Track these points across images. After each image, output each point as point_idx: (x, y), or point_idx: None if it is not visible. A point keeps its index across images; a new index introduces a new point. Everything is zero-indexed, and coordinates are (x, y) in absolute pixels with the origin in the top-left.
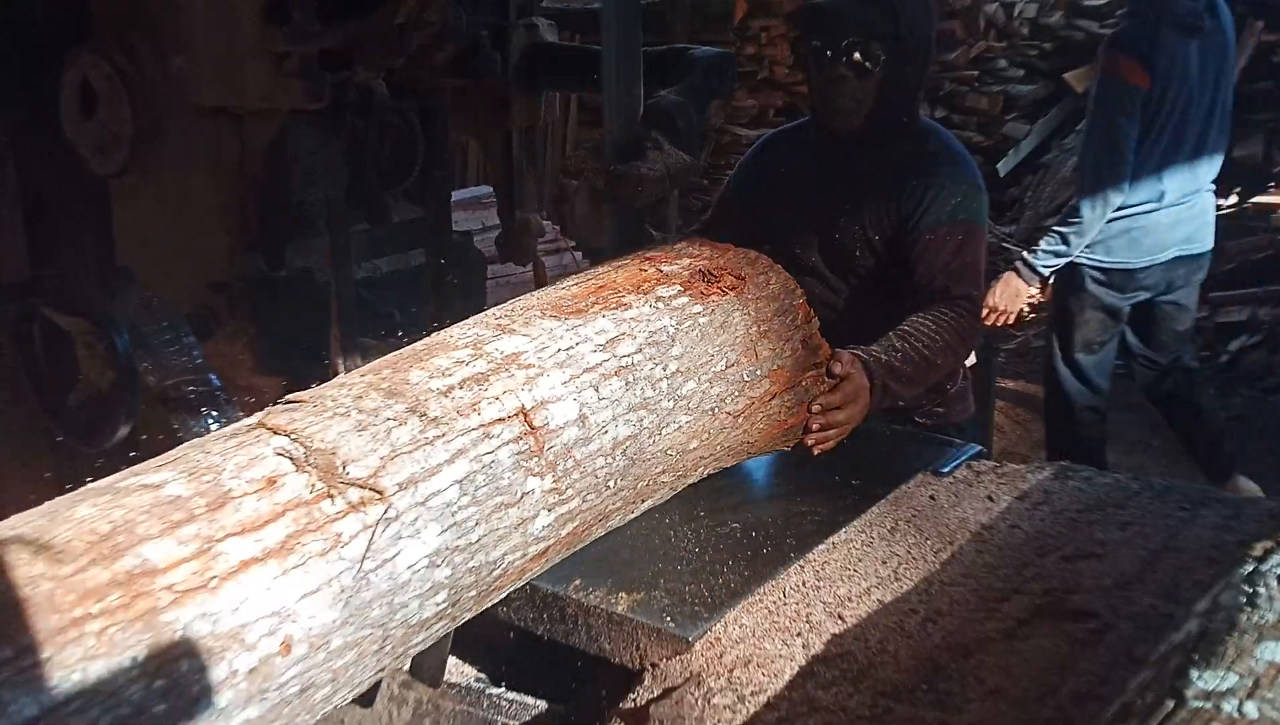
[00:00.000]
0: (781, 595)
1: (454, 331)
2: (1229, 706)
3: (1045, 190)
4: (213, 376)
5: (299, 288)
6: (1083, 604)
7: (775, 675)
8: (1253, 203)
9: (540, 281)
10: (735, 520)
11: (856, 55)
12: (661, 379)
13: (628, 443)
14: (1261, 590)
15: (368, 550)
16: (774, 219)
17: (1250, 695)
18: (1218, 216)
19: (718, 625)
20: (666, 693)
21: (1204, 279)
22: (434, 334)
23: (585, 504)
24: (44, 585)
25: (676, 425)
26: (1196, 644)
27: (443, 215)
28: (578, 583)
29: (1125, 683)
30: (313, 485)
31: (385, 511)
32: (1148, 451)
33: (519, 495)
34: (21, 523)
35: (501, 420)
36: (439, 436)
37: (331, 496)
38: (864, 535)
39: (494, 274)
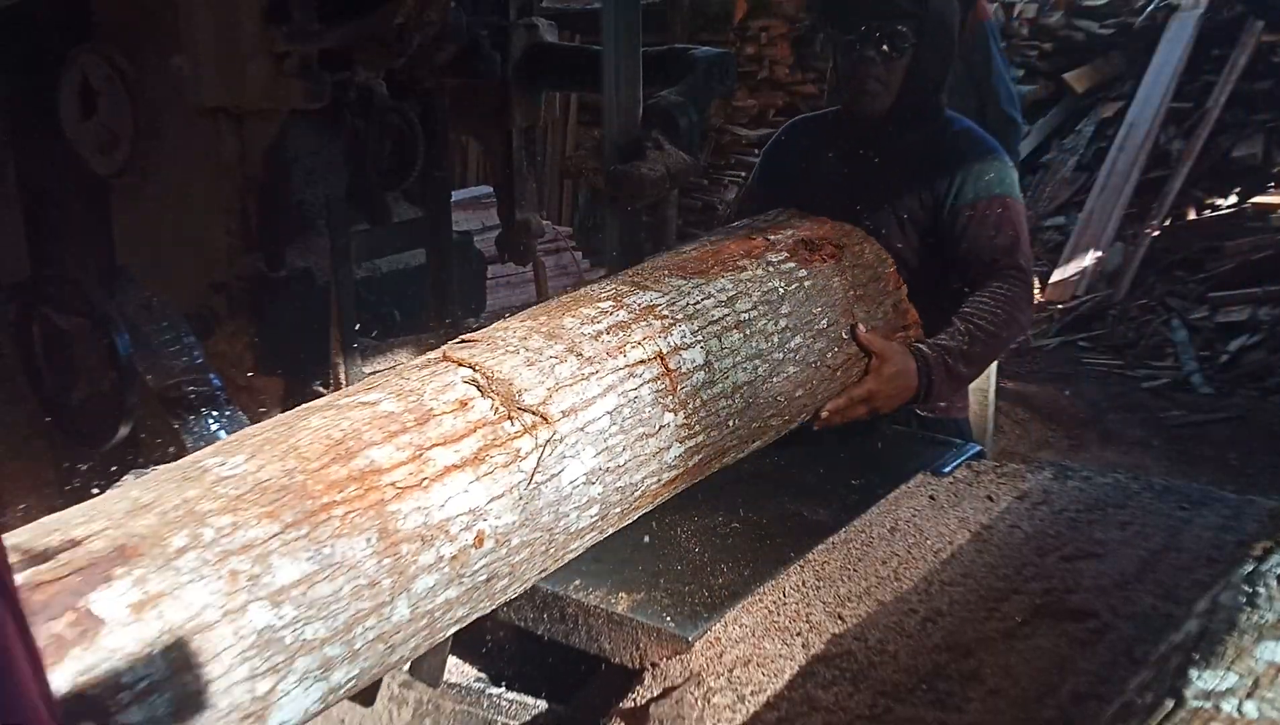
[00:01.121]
0: (781, 595)
1: (595, 287)
2: (1229, 706)
3: (1045, 190)
4: (213, 376)
5: (299, 288)
6: (1082, 604)
7: (775, 675)
8: (1252, 203)
9: (540, 281)
10: (735, 520)
11: (884, 38)
12: (773, 333)
13: (745, 387)
14: (1261, 590)
15: (538, 465)
16: (802, 205)
17: (1250, 695)
18: (1218, 216)
19: (718, 625)
20: (666, 692)
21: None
22: (578, 289)
23: (709, 440)
24: (298, 477)
25: (785, 375)
26: (1196, 644)
27: (443, 215)
28: (577, 582)
29: (1125, 682)
30: (496, 408)
31: (552, 434)
32: (1148, 451)
33: (657, 427)
34: (264, 430)
35: (643, 362)
36: (593, 373)
37: (511, 418)
38: (864, 535)
39: (494, 274)
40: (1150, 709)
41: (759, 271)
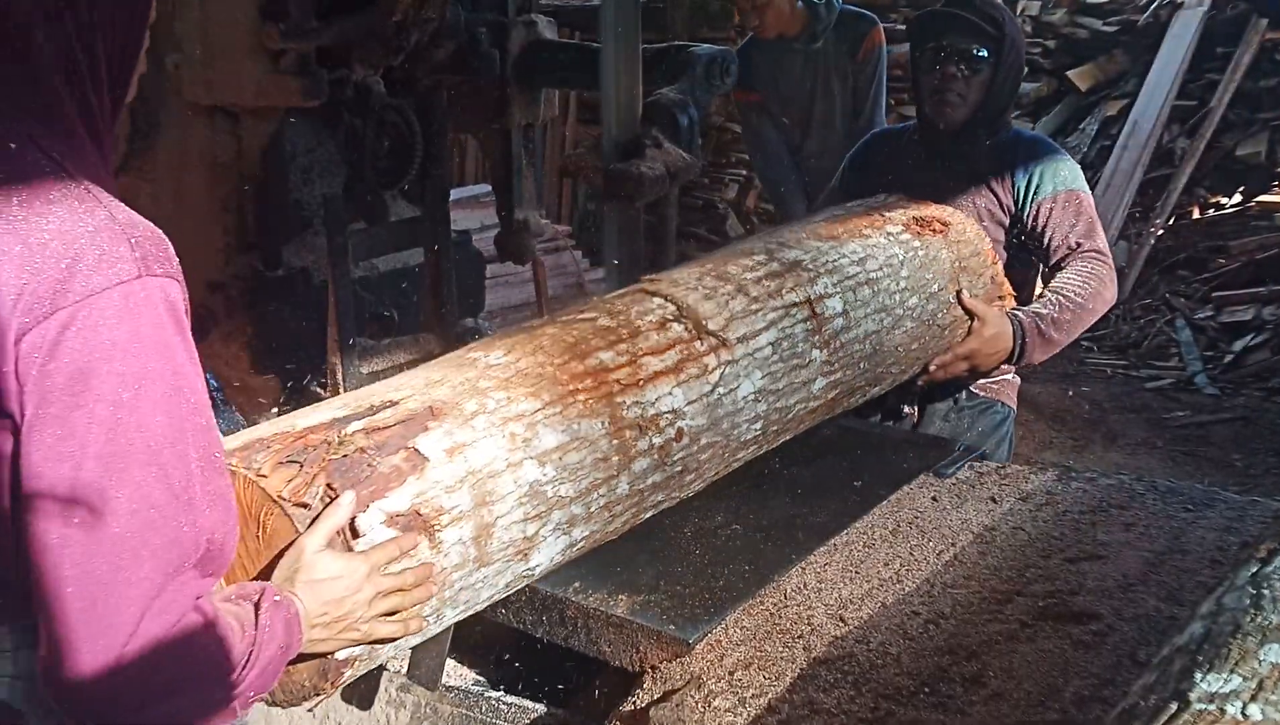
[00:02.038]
0: (783, 597)
1: (747, 243)
2: (1233, 709)
3: None
4: (210, 376)
5: (296, 287)
6: (1086, 606)
7: (776, 678)
8: (1257, 202)
9: (539, 280)
10: (736, 522)
11: (965, 56)
12: (895, 292)
13: (873, 335)
14: (1266, 592)
15: (721, 380)
16: None
17: (1254, 697)
18: (1223, 215)
19: (718, 628)
20: (667, 695)
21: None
22: (732, 244)
23: (844, 377)
24: (548, 368)
25: (903, 329)
26: (1200, 646)
27: (441, 214)
28: (577, 585)
29: (1129, 685)
30: (688, 330)
31: (732, 356)
32: (1152, 452)
33: (806, 361)
34: (511, 334)
35: (796, 305)
36: (758, 310)
37: (700, 339)
38: (866, 537)
39: (493, 273)
40: (1154, 711)
41: (881, 240)
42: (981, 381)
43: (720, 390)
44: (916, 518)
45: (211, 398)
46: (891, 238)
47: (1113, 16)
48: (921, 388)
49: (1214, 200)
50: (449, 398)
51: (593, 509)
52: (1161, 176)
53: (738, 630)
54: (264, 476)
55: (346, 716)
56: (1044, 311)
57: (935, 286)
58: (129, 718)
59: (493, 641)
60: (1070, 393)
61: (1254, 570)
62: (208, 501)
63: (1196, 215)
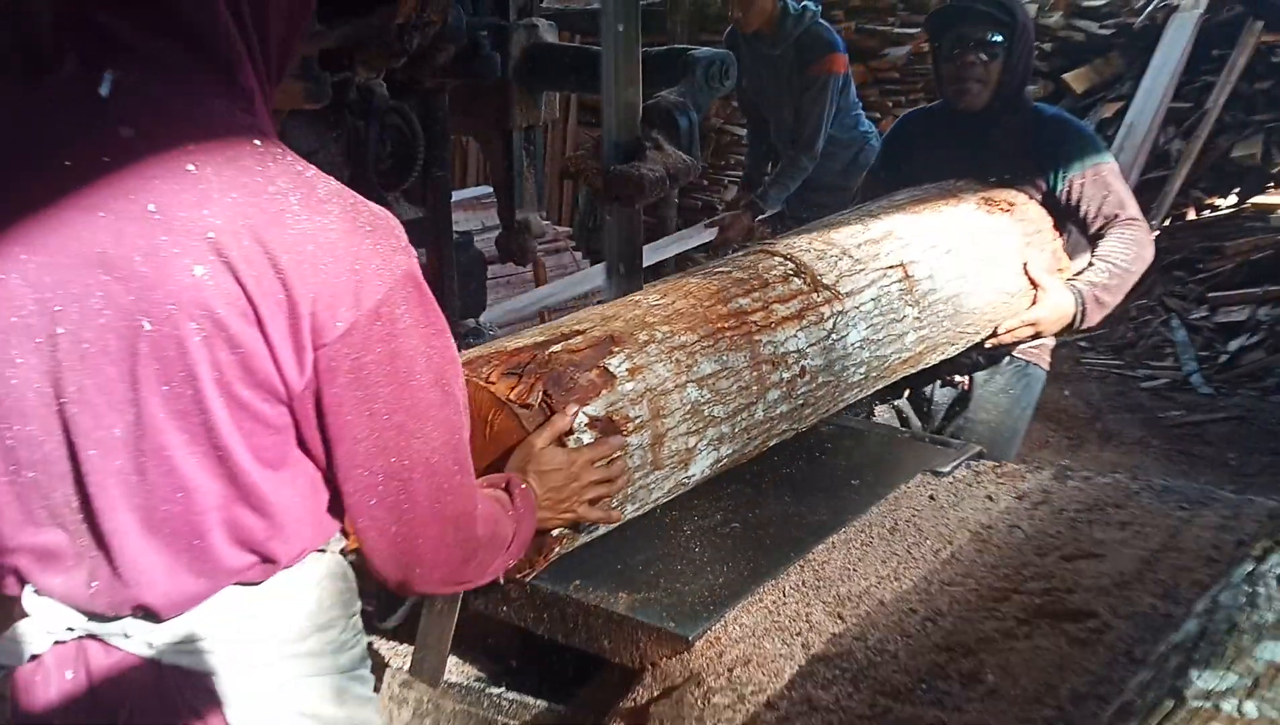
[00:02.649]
0: (781, 595)
1: (843, 215)
2: (1228, 706)
3: None
4: None
5: None
6: (1082, 604)
7: (775, 675)
8: (1252, 203)
9: (540, 281)
10: (735, 520)
11: (982, 45)
12: (973, 260)
13: (954, 298)
14: (1261, 590)
15: (834, 328)
16: (921, 183)
17: (1250, 695)
18: (1218, 216)
19: (718, 625)
20: (666, 692)
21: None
22: (824, 219)
23: (932, 333)
24: (699, 310)
25: (979, 294)
26: (1196, 644)
27: (443, 215)
28: (578, 582)
29: (1125, 682)
30: (807, 283)
31: (843, 307)
32: (1147, 451)
33: (901, 316)
34: (660, 283)
35: (892, 267)
36: (861, 270)
37: (817, 291)
38: (864, 535)
39: (494, 274)
40: (1150, 709)
41: (958, 215)
42: (1022, 347)
43: (834, 336)
44: (914, 516)
45: None
46: (966, 214)
47: (1108, 19)
48: (991, 348)
49: (1209, 202)
50: (624, 330)
51: (737, 430)
52: (1157, 178)
53: (737, 627)
54: (493, 383)
55: None
56: (1097, 279)
57: (1004, 258)
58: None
59: (494, 638)
60: (1066, 392)
61: (1249, 569)
62: (467, 413)
63: (1192, 216)
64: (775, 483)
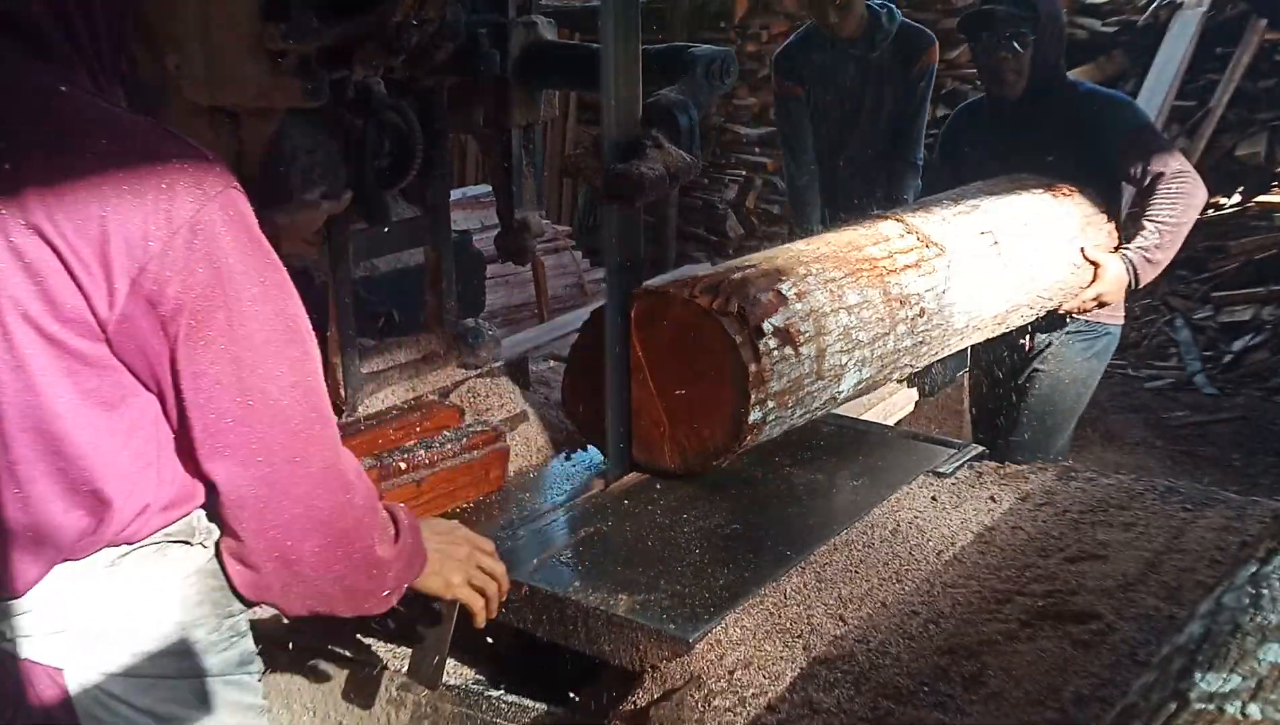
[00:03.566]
0: (782, 597)
1: (936, 197)
2: (1232, 708)
3: None
4: None
5: (297, 287)
6: (1086, 605)
7: (776, 677)
8: (1256, 202)
9: (540, 281)
10: (736, 521)
11: (1012, 39)
12: (1044, 236)
13: (1032, 265)
14: (1265, 592)
15: (944, 278)
16: (978, 171)
17: (1254, 697)
18: (1222, 215)
19: (718, 627)
20: (667, 694)
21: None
22: (919, 200)
23: (1014, 294)
24: (840, 254)
25: (1051, 264)
26: (1200, 645)
27: (441, 214)
28: (577, 584)
29: (1128, 684)
30: (919, 240)
31: (949, 261)
32: (1151, 451)
33: (994, 277)
34: (798, 241)
35: (984, 232)
36: (959, 234)
37: (929, 246)
38: (865, 537)
39: (493, 273)
40: (1153, 711)
41: (1030, 198)
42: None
43: (943, 285)
44: (916, 517)
45: None
46: (1035, 197)
47: (1112, 17)
48: (1061, 315)
49: (1213, 201)
50: (785, 266)
51: (875, 355)
52: None
53: (737, 629)
54: (697, 297)
55: (347, 715)
56: (1146, 242)
57: (1069, 235)
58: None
59: (493, 641)
60: None
61: (1253, 570)
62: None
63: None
64: (776, 484)
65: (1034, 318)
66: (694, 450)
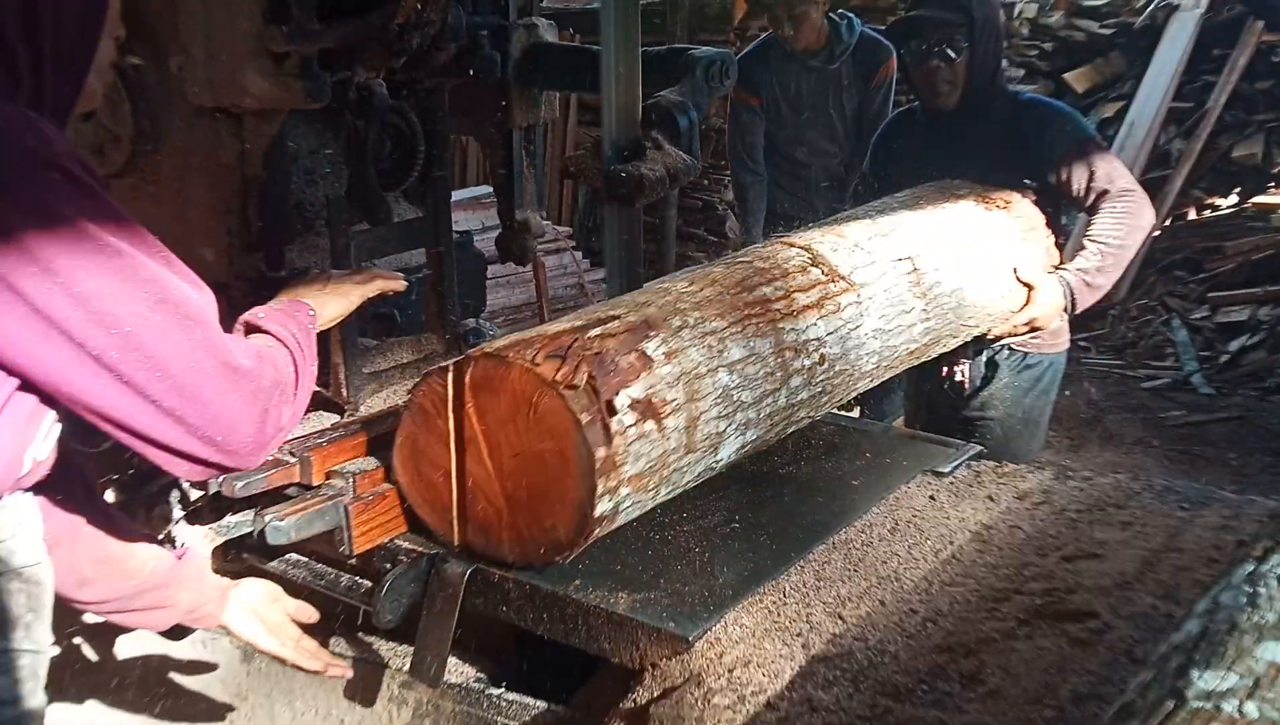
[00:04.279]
0: (781, 595)
1: (849, 213)
2: (1229, 706)
3: None
4: None
5: None
6: (1083, 604)
7: (775, 675)
8: (1253, 203)
9: (540, 281)
10: (735, 520)
11: (946, 47)
12: (973, 256)
13: (958, 291)
14: (1262, 590)
15: (850, 317)
16: (908, 185)
17: (1250, 695)
18: (1219, 216)
19: (717, 625)
20: (666, 693)
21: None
22: (840, 215)
23: (936, 326)
24: (726, 297)
25: (978, 287)
26: (1197, 644)
27: (443, 215)
28: (577, 583)
29: (1125, 683)
30: (824, 273)
31: (859, 297)
32: (1148, 451)
33: (909, 308)
34: (686, 272)
35: (901, 259)
36: (872, 262)
37: (834, 281)
38: (864, 535)
39: (494, 274)
40: (1151, 709)
41: (957, 212)
42: (1019, 338)
43: (850, 326)
44: (914, 516)
45: None
46: (967, 211)
47: (1109, 19)
48: (990, 341)
49: (1210, 201)
50: (658, 314)
51: (762, 415)
52: (1158, 178)
53: (737, 628)
54: (538, 366)
55: (349, 713)
56: (1086, 265)
57: (1003, 253)
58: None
59: (494, 639)
60: (1067, 392)
61: (1250, 569)
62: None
63: (1193, 216)
64: (775, 483)
65: (959, 345)
66: (537, 542)
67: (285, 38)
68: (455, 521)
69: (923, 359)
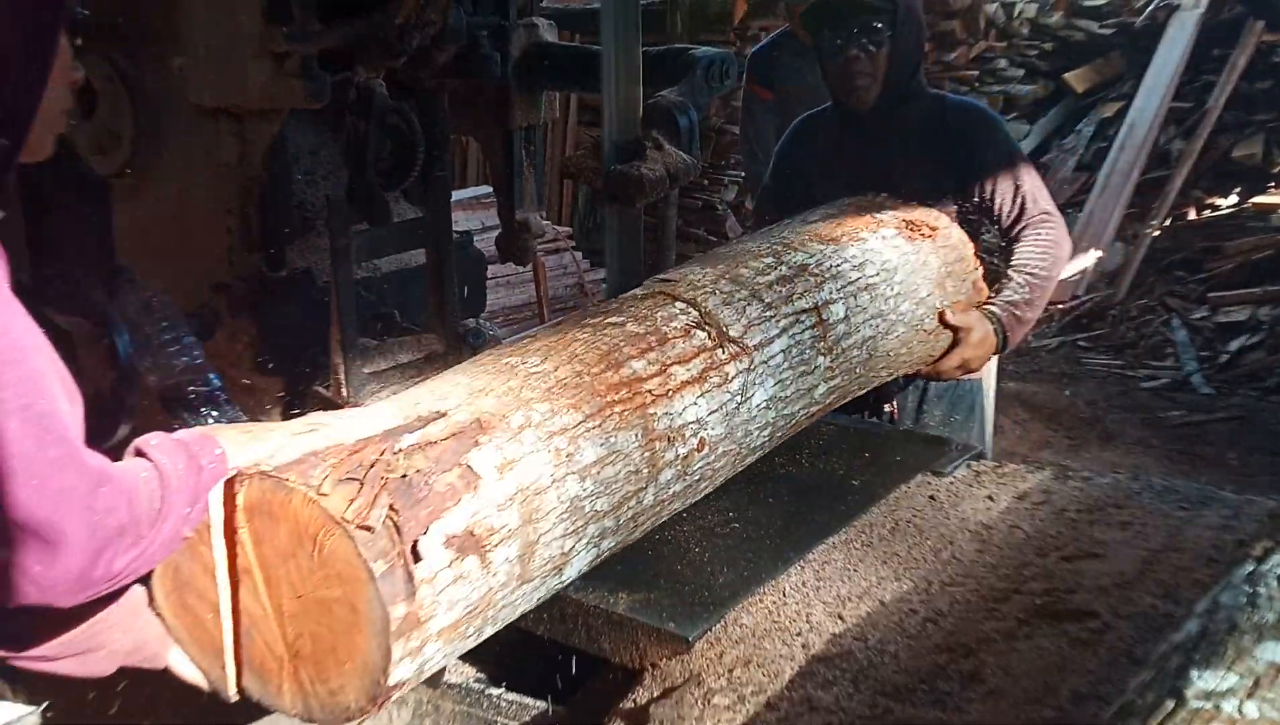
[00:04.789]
0: (781, 595)
1: (751, 244)
2: (1229, 706)
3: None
4: (213, 376)
5: (299, 288)
6: (1083, 604)
7: (775, 675)
8: (1253, 203)
9: (540, 281)
10: (735, 521)
11: (864, 38)
12: (890, 297)
13: (869, 341)
14: (1261, 590)
15: (739, 389)
16: (817, 195)
17: (1250, 695)
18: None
19: (717, 625)
20: (666, 693)
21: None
22: (734, 243)
23: (843, 382)
24: (585, 378)
25: (895, 334)
26: (1197, 644)
27: (443, 215)
28: (577, 583)
29: (1125, 683)
30: (711, 337)
31: (750, 363)
32: (1148, 451)
33: (813, 367)
34: (541, 338)
35: (805, 311)
36: (773, 316)
37: (723, 347)
38: (864, 535)
39: (494, 274)
40: (1151, 709)
41: (877, 244)
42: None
43: (738, 399)
44: (914, 516)
45: (215, 397)
46: (886, 242)
47: (1109, 19)
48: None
49: (1210, 201)
50: (496, 409)
51: (622, 521)
52: (1158, 178)
53: (737, 628)
54: (325, 495)
55: None
56: (1015, 297)
57: (924, 292)
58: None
59: (493, 639)
60: (1067, 392)
61: (1250, 569)
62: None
63: (1193, 216)
64: (775, 483)
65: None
66: (322, 703)
67: (285, 38)
68: (228, 665)
69: (825, 413)
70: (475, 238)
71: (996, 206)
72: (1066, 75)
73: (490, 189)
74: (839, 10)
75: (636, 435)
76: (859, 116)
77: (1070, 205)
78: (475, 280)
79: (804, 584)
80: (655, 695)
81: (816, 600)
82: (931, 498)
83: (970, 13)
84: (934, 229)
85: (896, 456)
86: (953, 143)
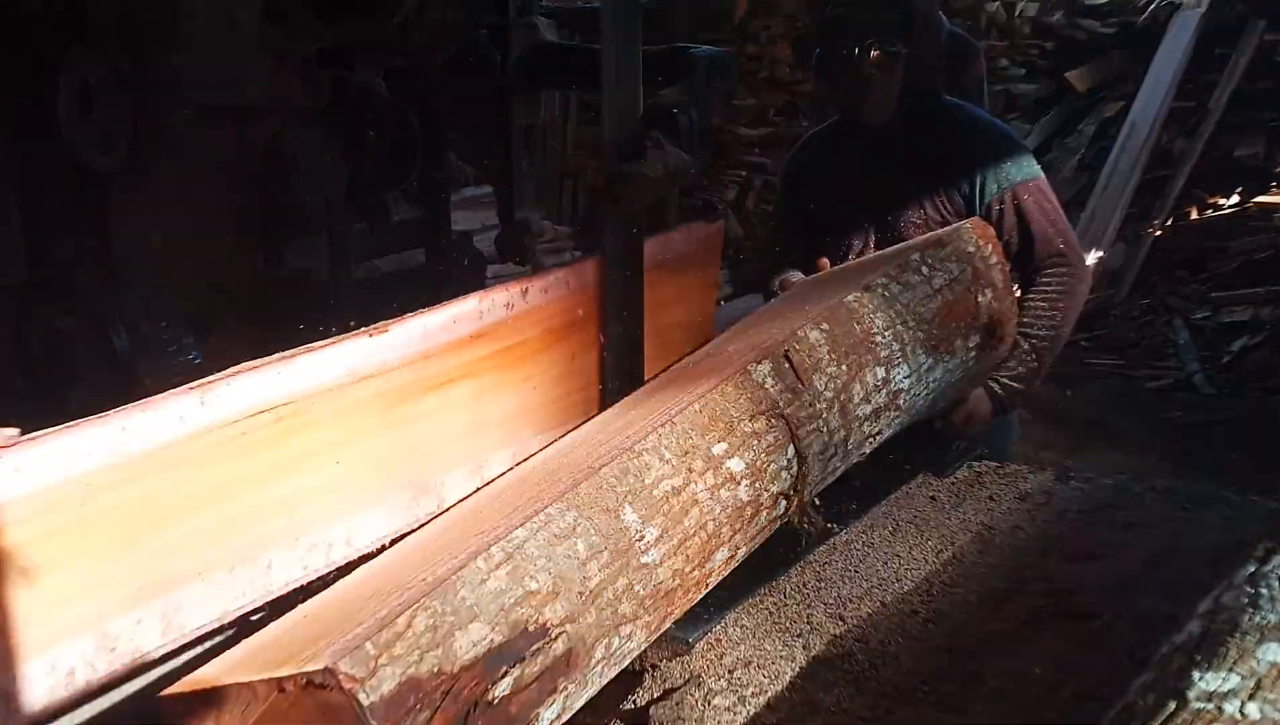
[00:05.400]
0: (782, 596)
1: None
2: (1231, 708)
3: None
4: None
5: (298, 287)
6: (1085, 605)
7: (776, 677)
8: (1255, 202)
9: None
10: None
11: (878, 53)
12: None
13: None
14: (1264, 591)
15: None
16: (828, 218)
17: (1252, 696)
18: (1221, 216)
19: (718, 626)
20: (667, 694)
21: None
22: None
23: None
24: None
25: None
26: (1199, 645)
27: (442, 215)
28: None
29: (1127, 684)
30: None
31: None
32: (1150, 452)
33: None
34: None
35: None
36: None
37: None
38: (865, 536)
39: (494, 274)
40: (1152, 710)
41: (956, 355)
42: None
43: None
44: (915, 517)
45: None
46: (963, 352)
47: (1111, 18)
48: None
49: (1212, 201)
50: (590, 633)
51: None
52: (1160, 177)
53: (737, 629)
54: None
55: None
56: (1023, 371)
57: (953, 392)
58: None
59: None
60: (1069, 393)
61: (1252, 569)
62: None
63: (1195, 216)
64: None
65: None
66: None
67: (284, 37)
68: None
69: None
70: (475, 238)
71: (1005, 237)
72: (1068, 74)
73: (490, 189)
74: (847, 27)
75: None
76: (871, 132)
77: (1072, 205)
78: (475, 280)
79: (805, 585)
80: (655, 696)
81: (817, 601)
82: (933, 498)
83: (971, 12)
84: (1004, 337)
85: (897, 457)
86: (967, 161)
